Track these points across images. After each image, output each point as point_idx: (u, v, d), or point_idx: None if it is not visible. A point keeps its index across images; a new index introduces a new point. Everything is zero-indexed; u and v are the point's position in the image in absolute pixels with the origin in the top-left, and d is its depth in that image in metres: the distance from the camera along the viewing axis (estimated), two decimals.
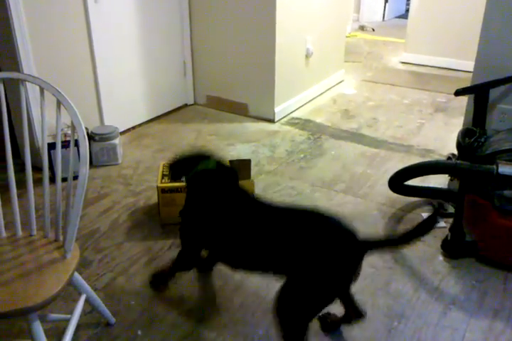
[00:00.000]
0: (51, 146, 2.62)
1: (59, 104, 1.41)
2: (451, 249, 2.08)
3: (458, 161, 1.97)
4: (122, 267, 2.07)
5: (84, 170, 1.36)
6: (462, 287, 1.94)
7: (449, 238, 2.08)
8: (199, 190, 1.69)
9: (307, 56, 3.65)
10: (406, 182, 2.25)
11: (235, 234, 1.52)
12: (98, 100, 3.02)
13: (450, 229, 2.07)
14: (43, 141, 1.46)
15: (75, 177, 2.88)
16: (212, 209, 1.60)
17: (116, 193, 2.63)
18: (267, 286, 1.93)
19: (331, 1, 3.76)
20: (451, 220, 2.31)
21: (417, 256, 2.11)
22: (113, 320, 1.78)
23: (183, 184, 2.23)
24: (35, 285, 1.30)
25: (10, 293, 1.27)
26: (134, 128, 3.38)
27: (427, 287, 1.94)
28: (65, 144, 2.63)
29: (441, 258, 2.10)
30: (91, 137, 2.84)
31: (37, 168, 2.54)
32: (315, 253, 1.35)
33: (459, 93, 2.23)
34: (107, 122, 3.10)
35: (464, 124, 2.46)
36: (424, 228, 1.33)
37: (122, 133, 3.27)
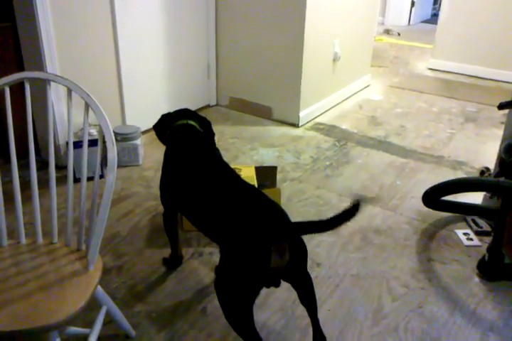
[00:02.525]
0: (74, 145, 2.55)
1: (87, 106, 1.32)
2: (489, 271, 1.97)
3: (501, 179, 1.86)
4: (143, 275, 1.99)
5: (112, 176, 1.27)
6: (500, 312, 1.82)
7: (486, 259, 1.96)
8: (173, 145, 1.78)
9: (334, 60, 3.54)
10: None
11: (189, 192, 1.59)
12: (121, 99, 2.95)
13: (488, 250, 1.96)
14: (68, 142, 1.38)
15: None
16: (179, 166, 1.68)
17: (137, 196, 2.55)
18: (293, 302, 1.84)
19: (359, 4, 3.65)
20: (486, 239, 2.21)
21: (452, 276, 2.00)
22: (133, 332, 1.69)
23: None
24: (57, 299, 1.21)
25: (30, 308, 1.18)
26: None
27: (462, 310, 1.83)
28: (88, 143, 2.56)
29: (477, 279, 1.98)
30: None
31: (56, 166, 2.47)
32: (241, 229, 1.36)
33: (503, 106, 2.11)
34: (128, 122, 3.02)
35: (503, 138, 2.34)
36: (348, 215, 1.28)
37: (144, 133, 3.18)
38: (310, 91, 3.39)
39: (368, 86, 4.24)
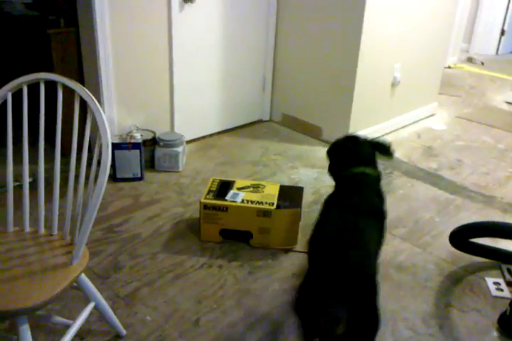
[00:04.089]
0: (115, 146, 2.69)
1: (91, 111, 1.38)
2: (509, 327, 1.78)
3: None
4: (150, 278, 2.03)
5: (102, 178, 1.31)
6: None
7: (508, 313, 1.78)
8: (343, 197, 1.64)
9: (393, 84, 3.43)
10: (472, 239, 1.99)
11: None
12: (171, 106, 3.06)
13: (510, 304, 1.77)
14: (72, 148, 1.44)
15: (135, 179, 2.91)
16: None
17: (168, 201, 2.62)
18: (287, 328, 1.78)
19: (429, 28, 3.51)
20: None
21: (467, 326, 1.83)
22: (124, 332, 1.73)
23: (226, 203, 2.16)
24: (30, 287, 1.27)
25: (6, 292, 1.25)
26: (203, 137, 3.39)
27: None
28: (129, 146, 2.69)
29: (495, 334, 1.80)
30: (156, 142, 2.87)
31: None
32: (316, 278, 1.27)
33: None
34: (177, 129, 3.12)
35: None
36: None
37: (190, 141, 3.28)
38: (362, 114, 3.30)
39: (432, 115, 4.05)
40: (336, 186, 1.77)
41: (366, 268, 1.25)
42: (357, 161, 1.76)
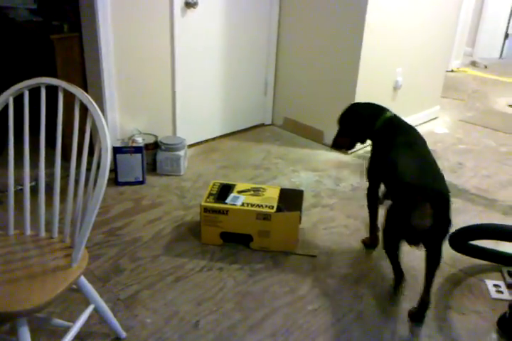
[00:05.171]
0: (117, 150, 2.72)
1: (91, 115, 1.40)
2: (509, 329, 1.78)
3: None
4: (150, 281, 2.04)
5: (101, 182, 1.33)
6: None
7: (507, 315, 1.78)
8: (388, 133, 2.01)
9: (395, 88, 3.44)
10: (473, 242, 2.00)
11: (389, 164, 1.90)
12: (173, 110, 3.08)
13: (510, 306, 1.77)
14: (70, 146, 1.45)
15: (137, 183, 2.93)
16: (388, 149, 1.95)
17: (169, 204, 2.64)
18: (286, 330, 1.79)
19: (432, 32, 3.53)
20: None
21: (467, 329, 1.83)
22: (123, 334, 1.75)
23: (226, 206, 2.17)
24: (31, 289, 1.29)
25: (6, 294, 1.27)
26: (205, 141, 3.41)
27: None
28: (131, 150, 2.71)
29: (494, 336, 1.80)
30: (158, 146, 2.89)
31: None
32: (404, 186, 1.74)
33: None
34: (179, 133, 3.15)
35: None
36: None
37: (192, 145, 3.31)
38: None
39: (434, 118, 4.05)
40: (379, 133, 2.04)
41: (446, 191, 1.72)
42: (381, 110, 2.08)
